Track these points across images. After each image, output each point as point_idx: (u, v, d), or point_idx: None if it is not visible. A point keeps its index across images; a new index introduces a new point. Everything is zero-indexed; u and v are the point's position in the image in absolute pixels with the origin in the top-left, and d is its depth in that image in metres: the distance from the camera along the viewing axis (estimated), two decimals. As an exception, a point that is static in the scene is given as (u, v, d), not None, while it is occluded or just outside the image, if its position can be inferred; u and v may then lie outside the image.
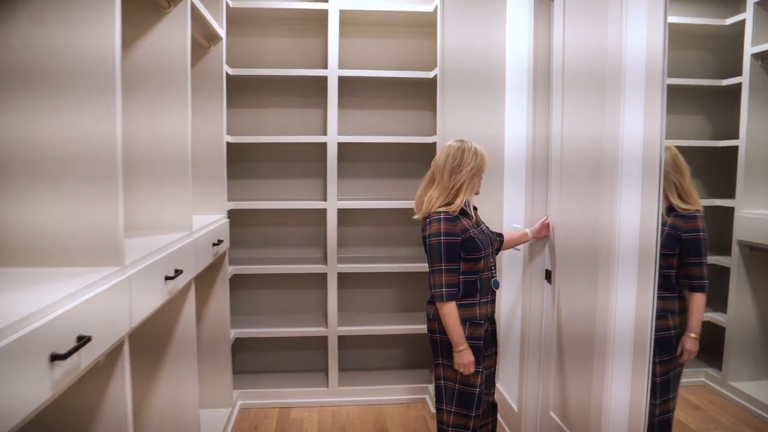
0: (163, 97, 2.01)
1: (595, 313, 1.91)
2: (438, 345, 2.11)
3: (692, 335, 1.76)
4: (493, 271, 2.16)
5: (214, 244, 2.45)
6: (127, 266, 1.40)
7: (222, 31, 2.77)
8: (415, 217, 2.15)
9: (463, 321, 2.03)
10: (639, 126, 1.69)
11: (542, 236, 2.34)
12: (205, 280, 2.79)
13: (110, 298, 1.26)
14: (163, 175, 2.00)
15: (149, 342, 1.99)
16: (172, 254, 1.74)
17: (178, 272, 1.73)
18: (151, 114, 1.99)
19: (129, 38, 1.98)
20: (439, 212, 2.02)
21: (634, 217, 1.71)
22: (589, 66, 1.97)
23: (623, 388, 1.79)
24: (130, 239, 1.77)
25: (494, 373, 2.25)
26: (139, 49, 1.99)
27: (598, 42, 1.89)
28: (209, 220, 2.56)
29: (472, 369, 2.01)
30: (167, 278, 1.65)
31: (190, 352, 2.07)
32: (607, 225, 1.82)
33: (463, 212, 2.08)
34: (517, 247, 2.47)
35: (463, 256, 2.02)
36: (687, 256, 1.69)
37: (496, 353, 2.24)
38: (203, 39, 2.68)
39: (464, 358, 2.00)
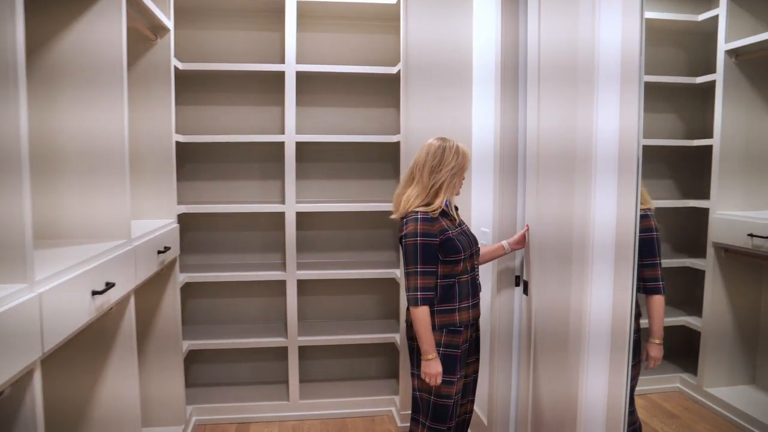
0: (96, 92, 1.86)
1: (569, 313, 1.83)
2: (415, 353, 2.04)
3: (656, 341, 1.73)
4: (476, 273, 2.08)
5: (159, 252, 2.31)
6: (38, 282, 1.23)
7: (169, 23, 2.64)
8: (393, 217, 2.08)
9: (440, 328, 1.97)
10: (614, 119, 1.62)
11: (520, 248, 2.21)
12: (152, 289, 2.66)
13: (10, 321, 1.08)
14: (97, 178, 1.85)
15: (85, 357, 1.84)
16: (102, 265, 1.57)
17: (109, 285, 1.55)
18: (81, 111, 1.83)
19: (57, 26, 1.83)
20: (417, 212, 1.96)
21: (610, 212, 1.65)
22: (561, 59, 1.90)
23: (600, 386, 1.71)
24: (51, 249, 1.61)
25: (476, 380, 2.19)
26: (68, 38, 1.84)
27: (570, 34, 1.83)
28: (155, 225, 2.43)
29: (440, 380, 1.94)
30: (95, 293, 1.47)
31: (130, 368, 1.93)
32: (582, 220, 1.75)
33: (444, 213, 2.01)
34: None
35: (441, 258, 1.96)
36: (640, 257, 1.62)
37: (478, 360, 2.18)
38: (148, 30, 2.54)
39: (432, 368, 1.93)
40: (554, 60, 1.96)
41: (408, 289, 1.95)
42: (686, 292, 1.91)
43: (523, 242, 2.17)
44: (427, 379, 1.94)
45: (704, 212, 1.80)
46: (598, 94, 1.66)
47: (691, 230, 1.93)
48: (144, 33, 2.49)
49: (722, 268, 1.77)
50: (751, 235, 1.64)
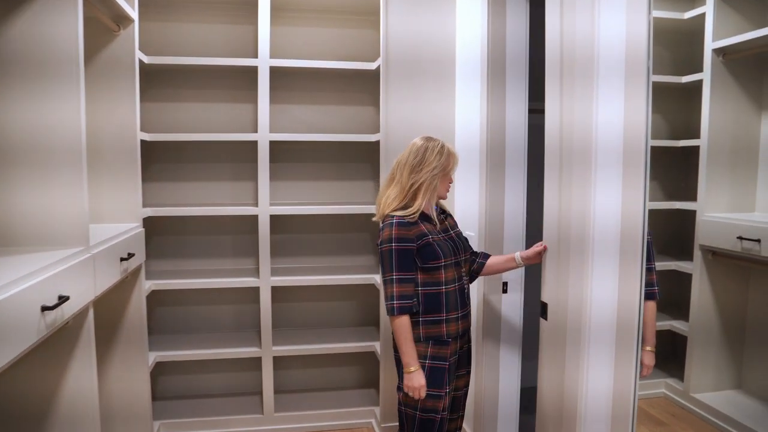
0: (49, 86, 1.70)
1: (577, 310, 1.76)
2: (401, 366, 1.94)
3: (648, 348, 1.70)
4: (464, 282, 1.99)
5: (123, 259, 2.17)
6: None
7: (133, 13, 2.50)
8: (374, 219, 2.02)
9: (426, 339, 1.89)
10: (619, 112, 1.58)
11: (533, 263, 2.03)
12: (115, 298, 2.51)
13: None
14: (50, 178, 1.69)
15: (39, 372, 1.69)
16: (54, 276, 1.43)
17: (63, 299, 1.41)
18: (33, 105, 1.68)
19: (3, 13, 1.67)
20: (393, 216, 1.88)
21: (614, 206, 1.61)
22: (565, 52, 1.84)
23: (605, 382, 1.66)
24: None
25: (466, 394, 2.10)
26: (16, 26, 1.69)
27: (566, 26, 1.77)
28: (118, 229, 2.28)
29: (423, 394, 1.85)
30: (45, 308, 1.33)
31: (89, 383, 1.77)
32: (592, 215, 1.68)
33: (425, 217, 1.93)
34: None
35: (420, 264, 1.88)
36: None
37: (469, 373, 2.09)
38: (110, 21, 2.40)
39: (414, 381, 1.84)
40: (553, 55, 1.91)
41: (385, 298, 1.88)
42: (672, 295, 1.88)
43: (537, 258, 1.97)
44: (410, 393, 1.85)
45: (691, 214, 1.79)
46: (599, 86, 1.61)
47: (676, 232, 1.92)
48: (106, 23, 2.35)
49: (709, 271, 1.76)
50: (740, 237, 1.62)
